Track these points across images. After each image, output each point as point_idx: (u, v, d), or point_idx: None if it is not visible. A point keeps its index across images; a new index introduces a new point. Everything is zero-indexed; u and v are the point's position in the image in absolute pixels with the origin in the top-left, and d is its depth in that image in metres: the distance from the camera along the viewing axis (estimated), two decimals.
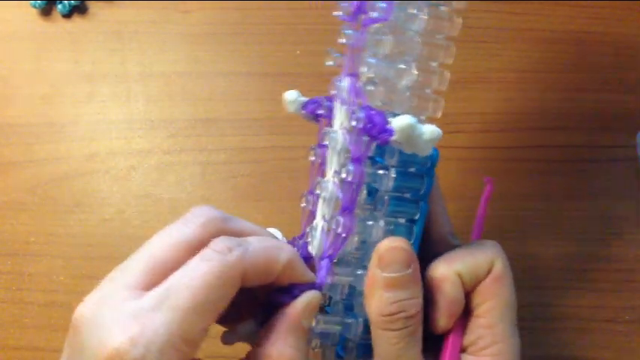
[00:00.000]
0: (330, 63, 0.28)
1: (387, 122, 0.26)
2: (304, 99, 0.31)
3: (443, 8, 0.28)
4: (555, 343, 0.42)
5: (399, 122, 0.25)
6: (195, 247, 0.24)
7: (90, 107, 0.47)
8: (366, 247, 0.28)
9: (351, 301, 0.29)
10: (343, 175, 0.27)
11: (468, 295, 0.29)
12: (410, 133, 0.25)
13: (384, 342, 0.27)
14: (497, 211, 0.45)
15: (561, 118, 0.46)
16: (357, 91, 0.27)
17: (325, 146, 0.29)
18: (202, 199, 0.45)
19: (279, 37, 0.48)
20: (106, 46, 0.48)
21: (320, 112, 0.30)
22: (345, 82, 0.28)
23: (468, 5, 0.48)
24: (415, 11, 0.27)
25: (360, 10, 0.28)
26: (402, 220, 0.29)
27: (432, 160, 0.29)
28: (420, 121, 0.26)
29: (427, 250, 0.30)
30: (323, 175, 0.29)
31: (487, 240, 0.30)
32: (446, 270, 0.28)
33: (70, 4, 0.48)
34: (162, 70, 0.48)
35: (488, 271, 0.29)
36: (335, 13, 0.28)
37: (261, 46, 0.48)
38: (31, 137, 0.46)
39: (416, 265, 0.27)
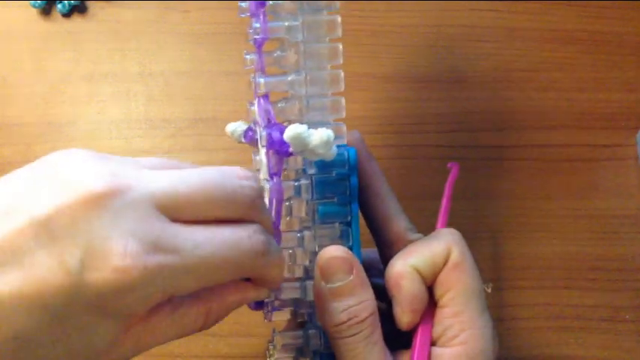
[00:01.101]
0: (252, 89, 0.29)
1: (280, 137, 0.27)
2: (244, 127, 0.32)
3: (320, 12, 0.28)
4: (555, 343, 0.42)
5: (288, 133, 0.26)
6: None
7: (90, 107, 0.47)
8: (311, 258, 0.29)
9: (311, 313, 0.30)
10: (265, 194, 0.27)
11: (430, 287, 0.29)
12: (302, 142, 0.26)
13: (343, 350, 0.27)
14: (497, 211, 0.45)
15: (561, 118, 0.46)
16: (266, 111, 0.28)
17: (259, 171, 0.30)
18: None
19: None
20: (106, 46, 0.48)
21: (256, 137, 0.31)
22: (255, 105, 0.29)
23: (468, 5, 0.48)
24: (292, 22, 0.28)
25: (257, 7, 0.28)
26: (336, 225, 0.29)
27: (349, 161, 0.29)
28: (327, 126, 0.27)
29: (388, 251, 0.30)
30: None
31: (443, 229, 0.30)
32: (402, 266, 0.28)
33: (69, 4, 0.48)
34: (162, 70, 0.48)
35: (446, 260, 0.28)
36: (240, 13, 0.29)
37: None
38: (31, 137, 0.46)
39: (358, 269, 0.27)
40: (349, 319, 0.26)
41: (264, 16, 0.27)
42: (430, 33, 0.48)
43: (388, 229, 0.30)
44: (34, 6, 0.48)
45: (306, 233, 0.29)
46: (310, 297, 0.28)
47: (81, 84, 0.47)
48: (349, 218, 0.29)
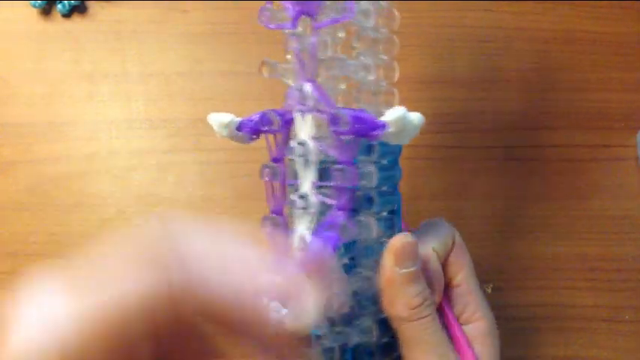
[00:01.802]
0: (265, 75, 0.29)
1: (374, 118, 0.26)
2: (238, 120, 0.30)
3: (383, 4, 0.28)
4: (555, 343, 0.42)
5: (394, 115, 0.25)
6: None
7: (90, 107, 0.47)
8: (357, 250, 0.29)
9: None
10: (338, 182, 0.26)
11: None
12: (403, 124, 0.25)
13: (416, 331, 0.28)
14: (498, 211, 0.45)
15: (561, 118, 0.46)
16: (323, 95, 0.27)
17: (281, 160, 0.28)
18: (202, 199, 0.45)
19: (279, 37, 0.48)
20: (106, 46, 0.48)
21: (265, 128, 0.29)
22: (308, 89, 0.27)
23: (468, 5, 0.48)
24: (366, 8, 0.27)
25: (301, 13, 0.27)
26: (384, 214, 0.29)
27: (399, 147, 0.30)
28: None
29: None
30: (283, 191, 0.29)
31: (435, 219, 0.32)
32: (425, 249, 0.30)
33: (69, 4, 0.48)
34: (162, 70, 0.48)
35: (453, 243, 0.31)
36: (266, 22, 0.28)
37: (261, 46, 0.48)
38: (31, 137, 0.46)
39: (421, 256, 0.29)
40: (424, 301, 0.28)
41: None
42: (430, 33, 0.48)
43: None
44: (34, 6, 0.48)
45: (366, 223, 0.28)
46: (370, 287, 0.28)
47: (81, 84, 0.47)
48: (395, 207, 0.29)
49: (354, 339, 0.29)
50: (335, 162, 0.27)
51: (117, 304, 0.17)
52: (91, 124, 0.47)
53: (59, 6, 0.48)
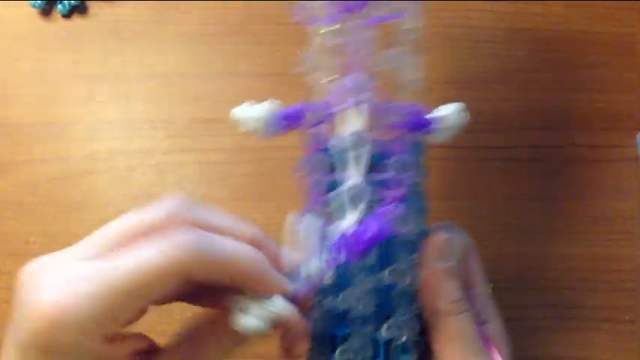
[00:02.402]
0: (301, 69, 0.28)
1: (425, 115, 0.26)
2: (271, 113, 0.29)
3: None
4: (555, 343, 0.42)
5: (451, 109, 0.27)
6: (151, 234, 0.23)
7: (90, 107, 0.47)
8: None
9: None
10: (394, 172, 0.26)
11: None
12: (458, 118, 0.27)
13: (456, 326, 0.28)
14: (498, 211, 0.45)
15: (561, 118, 0.46)
16: (373, 89, 0.27)
17: (320, 154, 0.28)
18: (202, 199, 0.45)
19: (279, 37, 0.48)
20: (106, 46, 0.48)
21: (303, 122, 0.29)
22: (365, 80, 0.27)
23: (468, 5, 0.48)
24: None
25: (347, 10, 0.27)
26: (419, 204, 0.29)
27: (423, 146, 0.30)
28: None
29: None
30: (321, 188, 0.28)
31: (445, 224, 0.32)
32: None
33: (70, 4, 0.48)
34: (162, 70, 0.48)
35: (469, 249, 0.31)
36: (304, 20, 0.27)
37: (261, 46, 0.48)
38: (31, 137, 0.46)
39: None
40: (463, 296, 0.28)
41: None
42: (430, 33, 0.48)
43: None
44: (34, 6, 0.48)
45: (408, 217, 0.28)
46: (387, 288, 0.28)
47: (81, 84, 0.47)
48: (424, 205, 0.30)
49: (387, 335, 0.28)
50: (383, 156, 0.27)
51: (137, 265, 0.22)
52: (91, 124, 0.47)
53: (59, 6, 0.48)
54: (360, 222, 0.27)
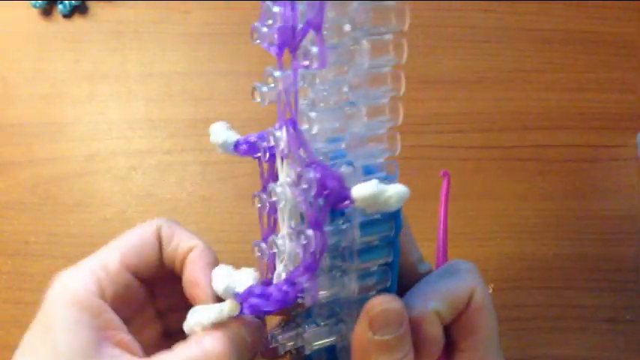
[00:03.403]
0: (258, 100, 0.25)
1: (344, 188, 0.22)
2: (235, 138, 0.27)
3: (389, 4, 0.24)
4: (555, 343, 0.42)
5: (360, 192, 0.22)
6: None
7: (90, 107, 0.47)
8: (340, 301, 0.26)
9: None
10: (303, 242, 0.23)
11: (447, 327, 0.27)
12: (374, 201, 0.22)
13: None
14: (498, 211, 0.45)
15: (561, 118, 0.46)
16: (300, 143, 0.23)
17: (261, 195, 0.26)
18: (202, 199, 0.45)
19: None
20: (107, 46, 0.48)
21: (257, 155, 0.27)
22: (284, 133, 0.24)
23: (468, 5, 0.48)
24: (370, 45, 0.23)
25: (286, 41, 0.24)
26: (374, 268, 0.26)
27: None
28: (381, 168, 0.24)
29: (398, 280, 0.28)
30: (273, 223, 0.27)
31: (462, 263, 0.28)
32: (422, 309, 0.25)
33: (70, 4, 0.48)
34: (163, 70, 0.48)
35: (468, 302, 0.26)
36: (254, 40, 0.25)
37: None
38: (31, 137, 0.46)
39: (407, 321, 0.25)
40: None
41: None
42: (430, 33, 0.48)
43: (401, 258, 0.28)
44: (34, 6, 0.48)
45: (344, 279, 0.26)
46: (343, 341, 0.26)
47: (81, 84, 0.47)
48: (391, 259, 0.26)
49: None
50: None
51: (132, 245, 0.27)
52: (91, 124, 0.47)
53: (60, 6, 0.48)
54: (284, 274, 0.25)
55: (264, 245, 0.26)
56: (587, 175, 0.45)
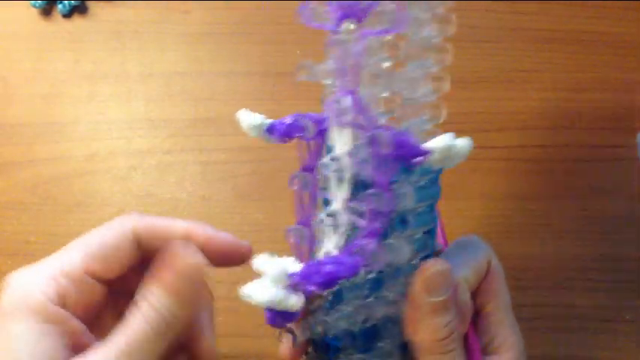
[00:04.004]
0: (303, 77, 0.26)
1: (416, 144, 0.24)
2: (268, 121, 0.28)
3: (439, 9, 0.26)
4: (555, 343, 0.42)
5: (439, 144, 0.24)
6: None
7: (90, 107, 0.47)
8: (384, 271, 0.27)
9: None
10: (371, 206, 0.24)
11: (472, 295, 0.29)
12: (448, 153, 0.24)
13: None
14: (498, 211, 0.45)
15: (561, 118, 0.46)
16: (363, 111, 0.24)
17: (312, 169, 0.26)
18: (202, 199, 0.45)
19: (279, 37, 0.48)
20: (107, 46, 0.48)
21: (298, 134, 0.27)
22: (348, 102, 0.25)
23: (468, 5, 0.48)
24: (421, 16, 0.25)
25: (345, 16, 0.24)
26: (418, 235, 0.27)
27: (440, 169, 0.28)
28: (434, 133, 0.25)
29: None
30: (313, 203, 0.27)
31: (470, 237, 0.30)
32: (455, 276, 0.27)
33: (70, 4, 0.48)
34: (163, 70, 0.48)
35: (487, 269, 0.29)
36: (307, 20, 0.25)
37: (261, 46, 0.48)
38: (31, 137, 0.46)
39: (454, 284, 0.27)
40: (451, 334, 0.26)
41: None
42: None
43: None
44: (34, 6, 0.48)
45: (397, 246, 0.26)
46: (377, 313, 0.27)
47: (81, 84, 0.47)
48: (431, 226, 0.27)
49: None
50: (369, 181, 0.25)
51: (97, 249, 0.26)
52: (91, 124, 0.47)
53: (59, 6, 0.48)
54: (337, 250, 0.25)
55: (302, 228, 0.26)
56: (587, 175, 0.45)
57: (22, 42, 0.48)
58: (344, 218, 0.25)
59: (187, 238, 0.27)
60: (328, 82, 0.26)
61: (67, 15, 0.49)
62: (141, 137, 0.46)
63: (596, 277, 0.43)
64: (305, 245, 0.26)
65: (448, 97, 0.51)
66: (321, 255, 0.26)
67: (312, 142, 0.27)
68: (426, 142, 0.26)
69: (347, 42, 0.25)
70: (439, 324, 0.26)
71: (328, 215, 0.26)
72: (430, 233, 0.27)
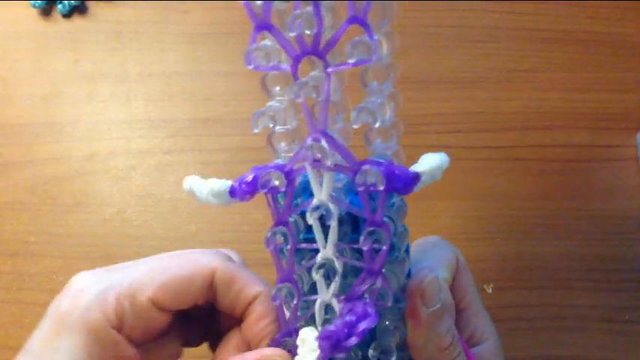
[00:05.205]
0: (256, 130, 0.25)
1: (408, 171, 0.23)
2: (227, 184, 0.26)
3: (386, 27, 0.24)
4: (555, 343, 0.42)
5: (431, 164, 0.23)
6: None
7: (90, 107, 0.47)
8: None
9: None
10: (369, 246, 0.23)
11: None
12: (439, 172, 0.23)
13: None
14: (498, 211, 0.45)
15: (561, 118, 0.46)
16: (340, 150, 0.23)
17: (287, 224, 0.25)
18: None
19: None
20: (106, 46, 0.48)
21: (264, 190, 0.25)
22: (324, 144, 0.23)
23: (468, 5, 0.48)
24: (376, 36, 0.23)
25: (305, 54, 0.23)
26: (402, 255, 0.26)
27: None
28: (395, 151, 0.24)
29: None
30: (292, 259, 0.25)
31: (430, 237, 0.31)
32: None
33: (70, 4, 0.48)
34: (163, 70, 0.48)
35: (456, 266, 0.30)
36: (257, 66, 0.24)
37: None
38: (31, 137, 0.46)
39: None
40: (453, 338, 0.26)
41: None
42: (430, 33, 0.48)
43: None
44: (34, 6, 0.48)
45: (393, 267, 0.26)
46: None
47: (81, 84, 0.47)
48: (407, 241, 0.27)
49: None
50: (351, 218, 0.24)
51: (172, 280, 0.25)
52: (91, 124, 0.47)
53: (59, 6, 0.48)
54: (336, 299, 0.24)
55: (290, 285, 0.25)
56: (587, 175, 0.45)
57: (22, 42, 0.48)
58: (338, 264, 0.24)
59: (254, 304, 0.26)
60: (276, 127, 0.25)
61: (67, 15, 0.49)
62: (141, 137, 0.46)
63: (596, 277, 0.43)
64: (294, 302, 0.25)
65: (448, 97, 0.51)
66: (318, 306, 0.25)
67: (274, 196, 0.26)
68: (403, 164, 0.24)
69: (313, 83, 0.23)
70: (442, 332, 0.26)
71: (319, 265, 0.24)
72: (407, 249, 0.27)
